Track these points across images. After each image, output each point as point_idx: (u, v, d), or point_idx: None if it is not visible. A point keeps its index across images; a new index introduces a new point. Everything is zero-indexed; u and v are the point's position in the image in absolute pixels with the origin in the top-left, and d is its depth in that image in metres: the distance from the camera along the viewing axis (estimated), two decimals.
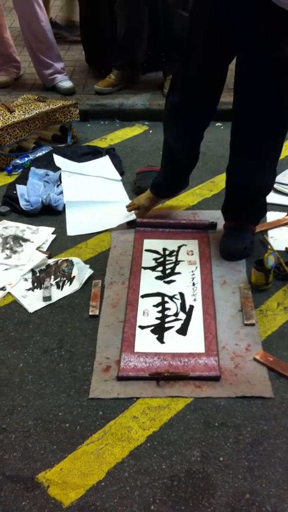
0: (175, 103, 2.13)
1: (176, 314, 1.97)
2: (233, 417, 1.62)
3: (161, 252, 2.27)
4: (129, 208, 2.46)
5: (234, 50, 1.92)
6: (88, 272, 2.15)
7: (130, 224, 2.41)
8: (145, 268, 2.18)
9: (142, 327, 1.92)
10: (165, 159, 2.32)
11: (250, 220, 2.28)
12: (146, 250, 2.28)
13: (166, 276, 2.15)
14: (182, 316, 1.96)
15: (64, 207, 2.56)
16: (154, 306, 2.01)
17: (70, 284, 2.12)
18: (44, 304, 2.05)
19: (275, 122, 1.98)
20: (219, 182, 2.72)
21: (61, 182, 2.68)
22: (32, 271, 2.19)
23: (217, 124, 3.00)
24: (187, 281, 2.12)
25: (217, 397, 1.68)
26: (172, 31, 3.27)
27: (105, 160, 2.88)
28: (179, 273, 2.16)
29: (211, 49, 1.89)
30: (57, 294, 2.08)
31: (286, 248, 2.26)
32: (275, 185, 2.40)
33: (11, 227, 2.45)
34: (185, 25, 1.99)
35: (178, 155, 2.24)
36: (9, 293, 2.10)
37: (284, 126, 2.04)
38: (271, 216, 2.41)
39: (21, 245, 2.33)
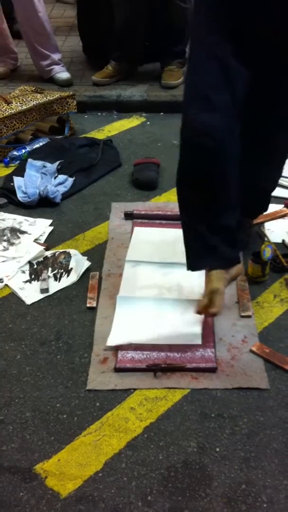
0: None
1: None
2: (229, 408, 1.63)
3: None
4: (207, 310, 1.78)
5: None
6: (86, 264, 2.16)
7: (128, 216, 2.41)
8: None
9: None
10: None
11: (250, 215, 2.27)
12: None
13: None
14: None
15: (61, 199, 2.56)
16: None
17: (68, 276, 2.13)
18: (41, 296, 2.05)
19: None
20: None
21: (58, 174, 2.67)
22: (30, 263, 2.19)
23: None
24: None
25: (213, 388, 1.69)
26: (170, 22, 3.26)
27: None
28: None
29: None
30: (54, 286, 2.09)
31: (283, 240, 2.26)
32: None
33: (8, 219, 2.45)
34: None
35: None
36: (6, 285, 2.10)
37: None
38: (268, 208, 2.41)
39: (19, 237, 2.33)
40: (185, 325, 1.87)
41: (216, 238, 1.74)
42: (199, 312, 1.79)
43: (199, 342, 1.80)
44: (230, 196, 1.74)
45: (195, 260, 1.81)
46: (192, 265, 1.82)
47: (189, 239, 1.81)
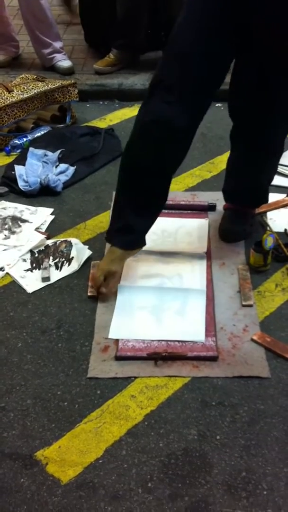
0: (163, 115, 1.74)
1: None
2: (230, 397, 1.63)
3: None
4: (94, 288, 1.95)
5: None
6: (87, 253, 2.15)
7: None
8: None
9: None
10: (133, 191, 1.88)
11: (251, 204, 2.27)
12: None
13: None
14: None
15: (63, 188, 2.55)
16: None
17: (69, 265, 2.13)
18: (42, 284, 2.05)
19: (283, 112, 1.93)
20: (219, 163, 2.71)
21: (59, 163, 2.66)
22: (31, 251, 2.19)
23: (217, 105, 2.97)
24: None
25: (214, 377, 1.69)
26: (172, 11, 3.22)
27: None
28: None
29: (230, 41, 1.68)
30: (55, 275, 2.08)
31: (285, 229, 2.25)
32: None
33: (9, 207, 2.44)
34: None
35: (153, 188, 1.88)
36: (7, 273, 2.10)
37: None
38: (271, 197, 2.39)
39: (20, 226, 2.32)
40: (187, 321, 1.87)
41: (130, 220, 1.88)
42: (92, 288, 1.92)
43: (202, 339, 1.80)
44: (156, 196, 1.91)
45: (109, 233, 1.96)
46: (107, 236, 1.98)
47: (113, 210, 1.95)
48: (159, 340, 1.79)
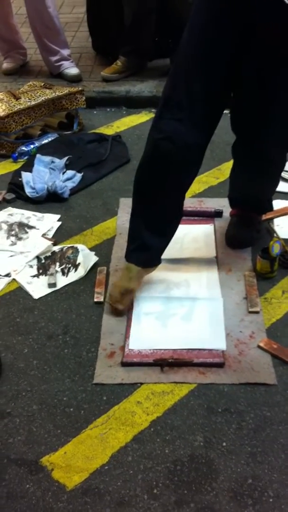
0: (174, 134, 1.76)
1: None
2: (236, 403, 1.63)
3: None
4: (111, 304, 1.94)
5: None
6: (93, 259, 2.16)
7: None
8: None
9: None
10: (146, 208, 1.90)
11: (257, 211, 2.27)
12: None
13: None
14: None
15: (69, 194, 2.56)
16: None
17: (75, 271, 2.13)
18: (49, 290, 2.05)
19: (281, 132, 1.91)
20: (226, 169, 2.71)
21: (66, 169, 2.67)
22: (37, 258, 2.20)
23: (224, 112, 2.98)
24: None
25: (220, 383, 1.69)
26: (180, 18, 3.24)
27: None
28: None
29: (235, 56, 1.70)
30: (62, 281, 2.09)
31: None
32: (282, 174, 2.38)
33: (16, 214, 2.45)
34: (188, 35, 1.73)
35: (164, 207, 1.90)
36: (14, 279, 2.11)
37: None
38: (277, 204, 2.40)
39: (27, 232, 2.33)
40: (207, 329, 1.86)
41: (146, 238, 1.90)
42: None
43: (224, 347, 1.79)
44: (171, 214, 1.93)
45: (127, 251, 1.97)
46: (126, 254, 1.98)
47: (130, 229, 1.98)
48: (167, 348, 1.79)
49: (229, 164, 2.71)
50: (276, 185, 2.21)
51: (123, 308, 1.92)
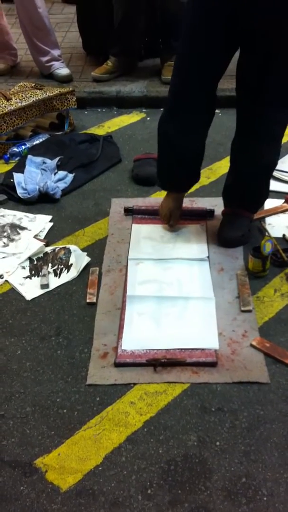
0: (183, 93, 1.99)
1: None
2: (229, 402, 1.63)
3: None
4: (168, 222, 2.28)
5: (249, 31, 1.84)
6: (86, 259, 2.16)
7: (128, 211, 2.41)
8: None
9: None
10: (169, 156, 2.16)
11: (250, 206, 2.27)
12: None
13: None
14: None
15: (61, 195, 2.56)
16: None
17: (68, 271, 2.13)
18: (41, 291, 2.05)
19: (273, 93, 1.95)
20: (217, 169, 2.72)
21: (58, 170, 2.67)
22: (30, 259, 2.19)
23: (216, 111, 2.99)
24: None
25: (213, 382, 1.69)
26: (169, 18, 3.25)
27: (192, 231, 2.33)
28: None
29: (227, 36, 1.83)
30: (54, 282, 2.09)
31: (284, 235, 2.26)
32: (274, 172, 2.39)
33: (8, 215, 2.45)
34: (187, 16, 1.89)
35: (185, 151, 2.11)
36: (6, 281, 2.10)
37: (284, 97, 1.99)
38: (269, 203, 2.41)
39: (19, 233, 2.33)
40: (200, 328, 1.87)
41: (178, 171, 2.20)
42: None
43: (217, 346, 1.80)
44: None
45: (164, 183, 2.30)
46: (163, 186, 2.32)
47: (162, 170, 2.27)
48: (160, 348, 1.79)
49: (221, 163, 2.74)
50: (279, 151, 2.17)
51: (174, 223, 2.30)
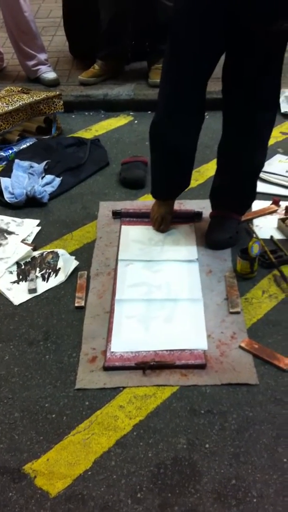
0: (172, 96, 2.01)
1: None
2: (218, 404, 1.63)
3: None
4: (159, 227, 2.31)
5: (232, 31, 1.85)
6: (74, 263, 2.15)
7: (116, 215, 2.41)
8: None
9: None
10: (165, 159, 2.17)
11: (237, 207, 2.28)
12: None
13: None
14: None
15: (49, 199, 2.55)
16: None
17: (56, 276, 2.12)
18: (29, 296, 2.04)
19: (267, 94, 1.99)
20: (205, 171, 2.73)
21: (45, 174, 2.66)
22: (17, 263, 2.18)
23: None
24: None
25: (203, 385, 1.69)
26: (156, 21, 3.25)
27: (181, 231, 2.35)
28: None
29: (214, 38, 1.84)
30: (42, 286, 2.08)
31: (271, 236, 2.26)
32: (261, 174, 2.40)
33: None
34: (176, 18, 1.89)
35: (181, 153, 2.13)
36: None
37: (274, 99, 2.05)
38: (256, 205, 2.42)
39: (6, 238, 2.32)
40: (188, 329, 1.86)
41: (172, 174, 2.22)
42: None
43: (205, 347, 1.80)
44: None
45: (156, 191, 2.30)
46: (155, 195, 2.32)
47: (154, 176, 2.27)
48: (149, 350, 1.79)
49: (208, 165, 2.74)
50: (265, 153, 2.19)
51: (164, 228, 2.32)
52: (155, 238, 2.29)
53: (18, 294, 2.05)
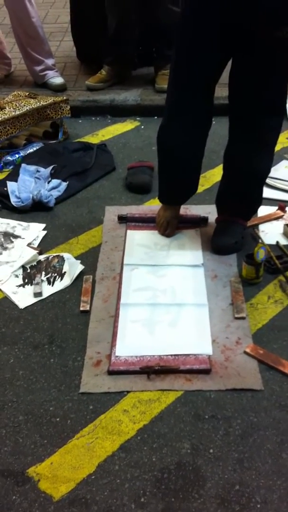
0: (180, 101, 2.03)
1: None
2: (223, 410, 1.63)
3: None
4: (164, 231, 2.31)
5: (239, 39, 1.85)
6: (79, 267, 2.15)
7: (121, 219, 2.42)
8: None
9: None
10: (172, 164, 2.19)
11: (243, 213, 2.28)
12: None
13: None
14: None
15: (55, 203, 2.56)
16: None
17: (61, 279, 2.13)
18: (35, 300, 2.05)
19: (273, 99, 1.98)
20: (211, 177, 2.73)
21: (52, 178, 2.67)
22: (23, 267, 2.19)
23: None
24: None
25: (207, 389, 1.68)
26: (163, 27, 3.27)
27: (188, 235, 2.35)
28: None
29: (221, 43, 1.85)
30: (48, 290, 2.08)
31: (277, 242, 2.26)
32: (267, 180, 2.40)
33: (1, 223, 2.44)
34: (181, 23, 1.91)
35: (188, 159, 2.14)
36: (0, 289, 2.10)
37: (281, 103, 2.04)
38: (262, 210, 2.41)
39: (12, 242, 2.33)
40: (193, 334, 1.86)
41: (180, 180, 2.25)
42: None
43: (210, 352, 1.80)
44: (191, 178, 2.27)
45: (163, 196, 2.32)
46: (162, 199, 2.33)
47: (162, 181, 2.28)
48: (153, 355, 1.79)
49: (214, 171, 2.74)
50: (272, 159, 2.19)
51: (170, 232, 2.32)
52: (161, 242, 2.30)
53: (24, 298, 2.05)
